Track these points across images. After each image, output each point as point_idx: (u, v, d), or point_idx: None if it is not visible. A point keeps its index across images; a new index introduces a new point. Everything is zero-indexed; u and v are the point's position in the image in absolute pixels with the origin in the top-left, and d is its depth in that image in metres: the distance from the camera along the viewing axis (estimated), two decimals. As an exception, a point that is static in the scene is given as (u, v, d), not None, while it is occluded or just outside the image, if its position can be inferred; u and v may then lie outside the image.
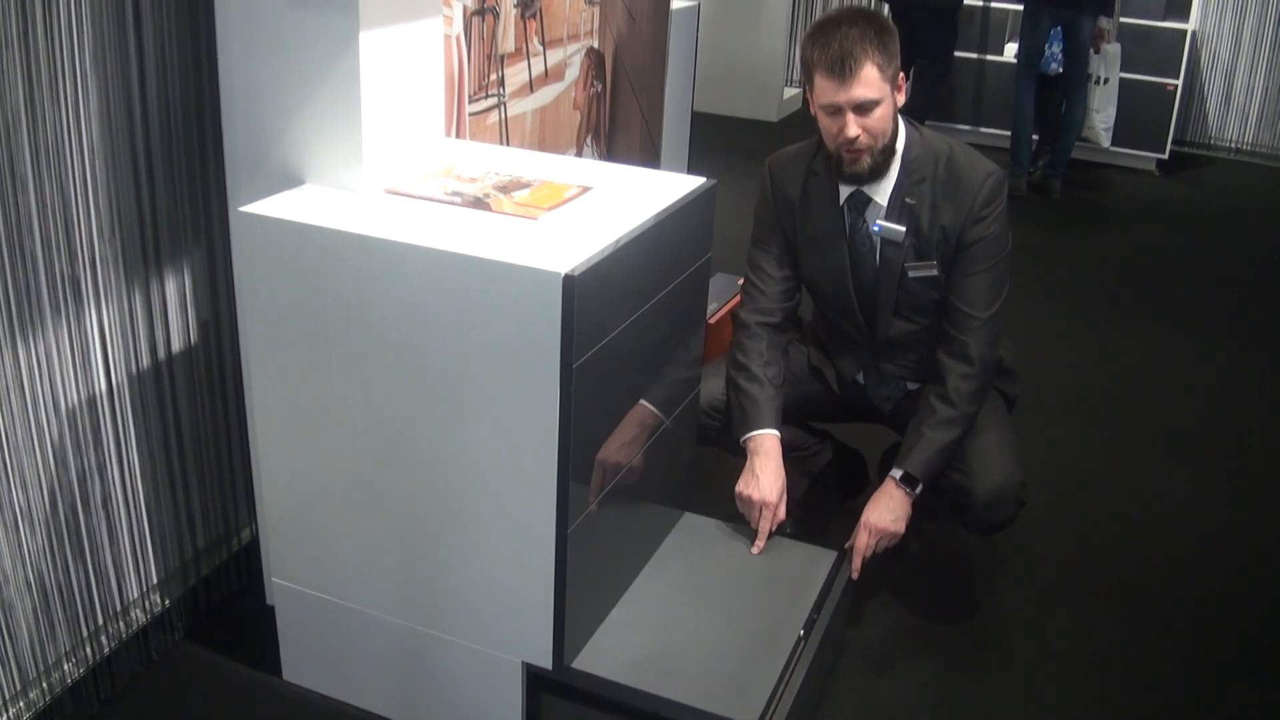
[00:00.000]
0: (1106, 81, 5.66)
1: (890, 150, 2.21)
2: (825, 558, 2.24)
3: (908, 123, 2.26)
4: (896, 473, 2.25)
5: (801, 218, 2.34)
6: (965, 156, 2.25)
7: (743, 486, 2.27)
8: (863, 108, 2.12)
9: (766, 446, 2.28)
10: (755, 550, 2.24)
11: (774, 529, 2.26)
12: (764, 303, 2.38)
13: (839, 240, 2.31)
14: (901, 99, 2.20)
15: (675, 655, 1.95)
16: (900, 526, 2.25)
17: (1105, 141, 5.83)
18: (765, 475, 2.25)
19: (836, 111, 2.14)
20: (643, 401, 1.99)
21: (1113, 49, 5.58)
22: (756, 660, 1.96)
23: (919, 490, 2.25)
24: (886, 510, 2.24)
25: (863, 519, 2.25)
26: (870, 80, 2.10)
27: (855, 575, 2.25)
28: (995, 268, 2.25)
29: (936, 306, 2.31)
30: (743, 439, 2.30)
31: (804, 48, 2.17)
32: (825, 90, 2.13)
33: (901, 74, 2.19)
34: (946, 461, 2.25)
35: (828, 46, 2.09)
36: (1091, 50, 5.49)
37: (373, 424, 1.84)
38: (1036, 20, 5.23)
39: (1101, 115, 5.76)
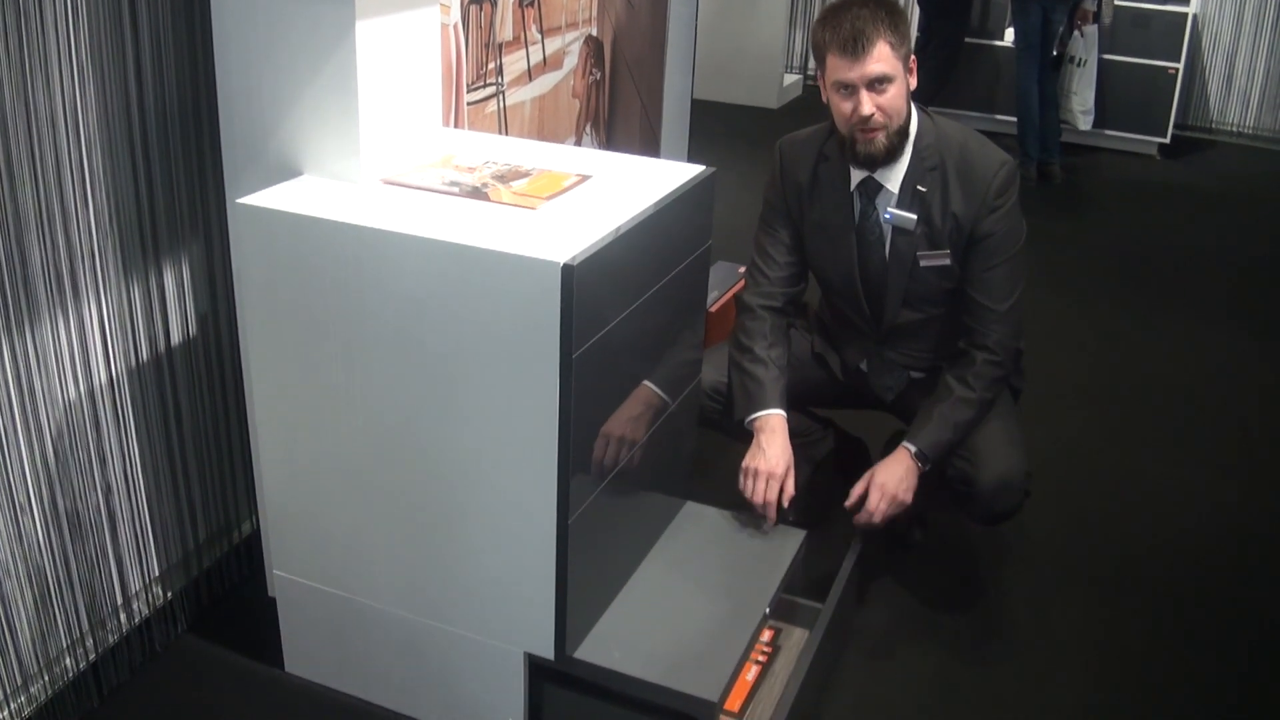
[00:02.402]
0: (1084, 63, 5.62)
1: (904, 133, 2.20)
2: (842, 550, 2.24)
3: (920, 109, 2.25)
4: (911, 446, 2.24)
5: (810, 202, 2.33)
6: (979, 146, 2.24)
7: (748, 460, 2.26)
8: (876, 83, 2.12)
9: (773, 424, 2.27)
10: (769, 525, 2.24)
11: (786, 506, 2.25)
12: (768, 286, 2.38)
13: (847, 227, 2.30)
14: (913, 82, 2.20)
15: (673, 643, 1.95)
16: (909, 496, 2.22)
17: (1084, 125, 5.78)
18: (772, 449, 2.25)
19: (850, 91, 2.14)
20: (646, 383, 1.98)
21: (1091, 30, 5.56)
22: (721, 640, 1.96)
23: (928, 467, 2.24)
24: (900, 479, 2.21)
25: (874, 479, 2.22)
26: (883, 56, 2.10)
27: (859, 526, 2.23)
28: (1012, 259, 2.24)
29: (947, 296, 2.30)
30: (748, 420, 2.30)
31: (815, 32, 2.17)
32: (838, 68, 2.13)
33: (913, 57, 2.19)
34: (958, 441, 2.24)
35: (839, 26, 2.10)
36: (1076, 32, 5.48)
37: (372, 415, 1.84)
38: (1025, 4, 5.23)
39: (1079, 98, 5.71)
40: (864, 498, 2.23)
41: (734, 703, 1.97)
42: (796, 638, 2.14)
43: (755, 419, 2.29)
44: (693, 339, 2.16)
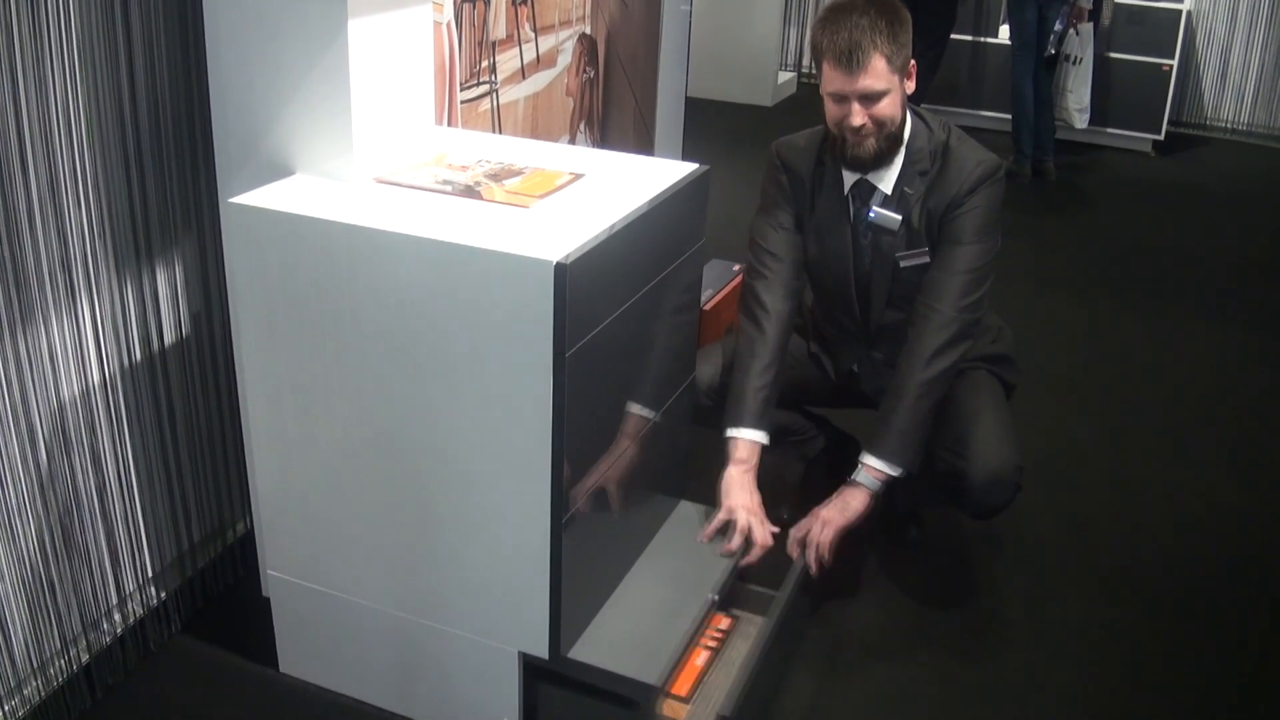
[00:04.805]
0: (1079, 61, 5.62)
1: (896, 139, 2.20)
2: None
3: (915, 113, 2.25)
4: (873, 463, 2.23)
5: (809, 207, 2.33)
6: (960, 144, 2.24)
7: (722, 493, 2.23)
8: (869, 98, 2.12)
9: (741, 454, 2.24)
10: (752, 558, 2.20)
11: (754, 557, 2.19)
12: (779, 276, 2.32)
13: (843, 229, 2.30)
14: (911, 86, 2.19)
15: (659, 640, 1.95)
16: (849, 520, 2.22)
17: (1079, 123, 5.77)
18: (731, 496, 2.21)
19: (843, 99, 2.14)
20: (632, 409, 1.96)
21: (1086, 28, 5.56)
22: (667, 627, 1.97)
23: (904, 472, 2.23)
24: (842, 509, 2.21)
25: (818, 514, 2.22)
26: (878, 71, 2.09)
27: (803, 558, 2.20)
28: (976, 271, 2.20)
29: None
30: (725, 433, 2.27)
31: (815, 31, 2.17)
32: (832, 79, 2.13)
33: (913, 62, 2.18)
34: (922, 432, 2.23)
35: (837, 35, 2.08)
36: (1072, 30, 5.48)
37: (366, 414, 1.84)
38: (1021, 1, 5.23)
39: (1075, 96, 5.71)
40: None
41: (682, 687, 1.96)
42: (758, 625, 2.12)
43: (730, 436, 2.26)
44: (686, 337, 2.16)
